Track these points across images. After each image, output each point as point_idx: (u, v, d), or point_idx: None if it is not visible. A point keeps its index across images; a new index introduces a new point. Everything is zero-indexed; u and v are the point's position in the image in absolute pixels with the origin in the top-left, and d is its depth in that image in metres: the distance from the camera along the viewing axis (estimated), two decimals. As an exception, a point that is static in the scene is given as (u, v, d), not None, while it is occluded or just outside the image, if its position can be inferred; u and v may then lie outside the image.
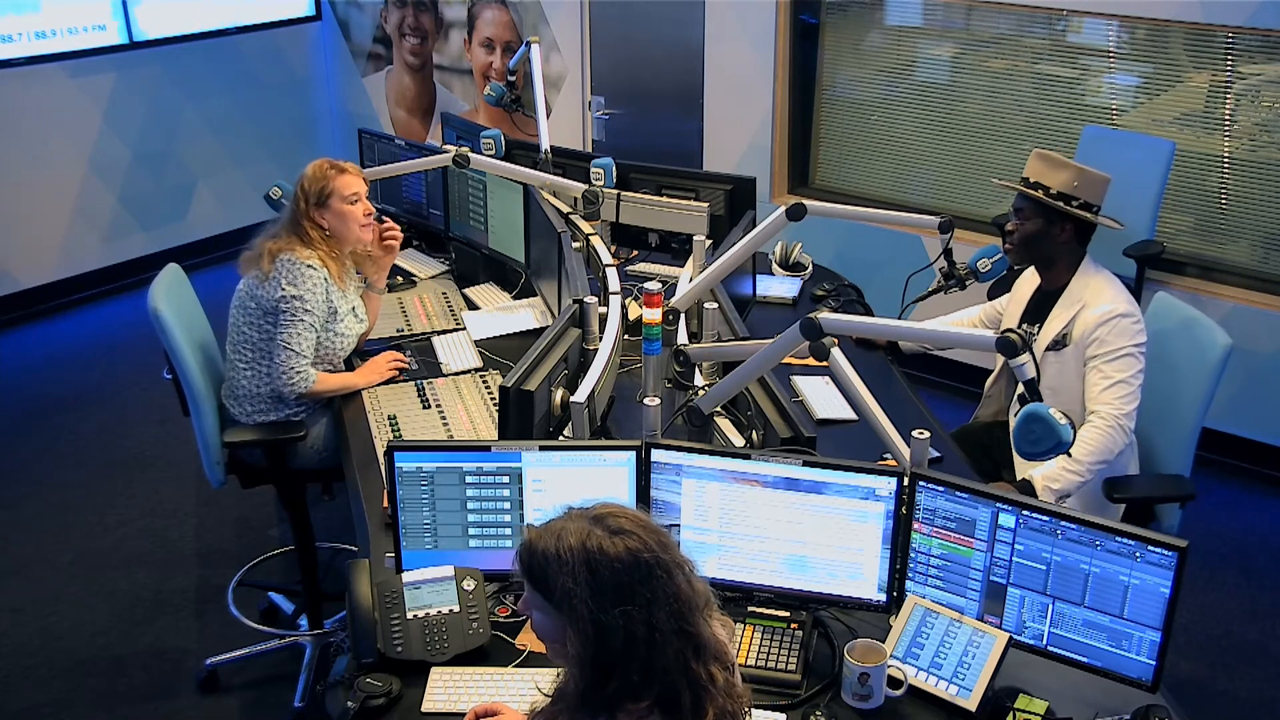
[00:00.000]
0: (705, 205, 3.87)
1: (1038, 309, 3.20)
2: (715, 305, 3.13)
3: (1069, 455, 2.93)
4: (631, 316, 3.35)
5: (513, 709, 2.06)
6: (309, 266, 3.28)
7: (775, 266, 4.19)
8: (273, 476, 3.43)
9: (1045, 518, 2.19)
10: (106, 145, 6.13)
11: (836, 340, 2.41)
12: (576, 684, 1.67)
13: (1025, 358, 2.26)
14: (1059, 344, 3.08)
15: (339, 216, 3.37)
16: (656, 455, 2.39)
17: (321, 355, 3.38)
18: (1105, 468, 3.00)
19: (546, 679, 1.80)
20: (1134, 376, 2.98)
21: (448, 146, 4.12)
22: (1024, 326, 3.19)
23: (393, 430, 3.18)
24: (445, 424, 3.20)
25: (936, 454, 2.93)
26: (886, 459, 2.69)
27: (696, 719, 1.66)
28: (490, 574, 2.42)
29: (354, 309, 3.47)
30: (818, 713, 2.18)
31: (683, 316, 3.23)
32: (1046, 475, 2.95)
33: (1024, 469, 3.02)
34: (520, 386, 2.58)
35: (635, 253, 4.16)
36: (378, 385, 3.39)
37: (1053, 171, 3.08)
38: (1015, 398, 3.21)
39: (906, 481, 2.30)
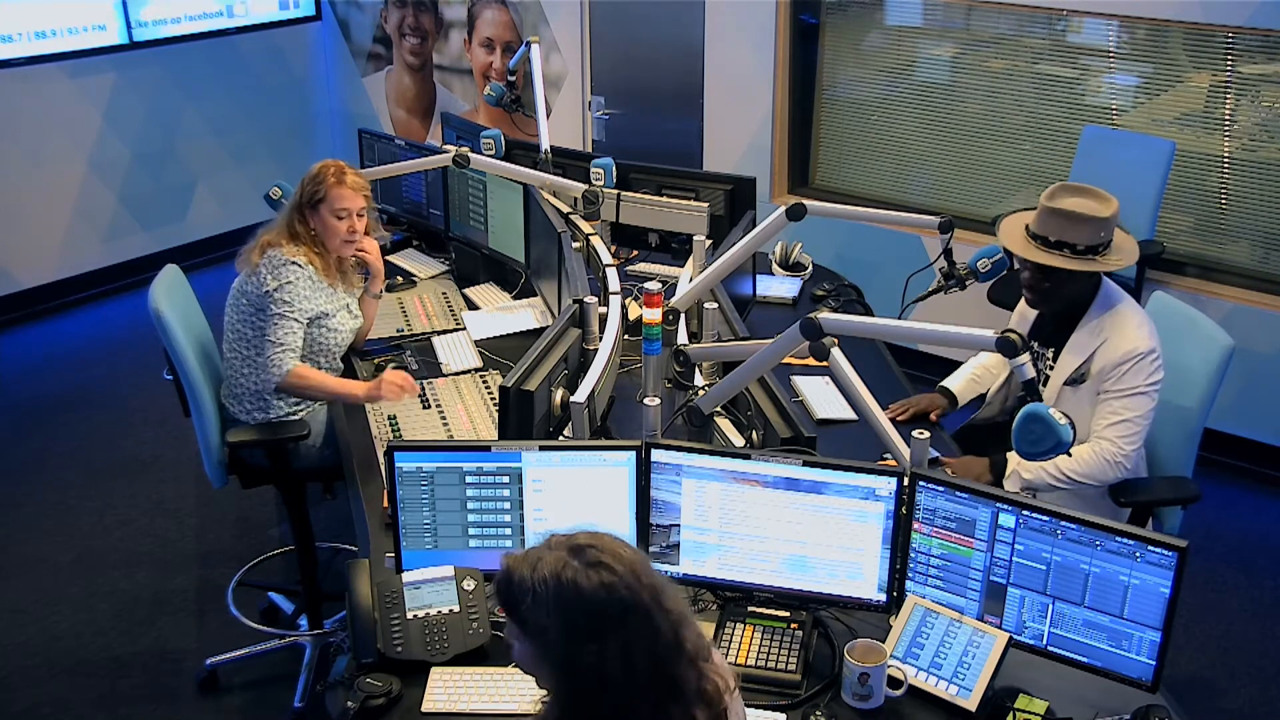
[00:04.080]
0: (705, 205, 3.87)
1: (1051, 331, 3.09)
2: (715, 305, 3.14)
3: (1059, 467, 2.93)
4: (631, 316, 3.35)
5: None
6: (292, 263, 3.28)
7: (775, 266, 4.19)
8: (275, 476, 3.43)
9: (1045, 518, 2.19)
10: (106, 145, 6.13)
11: (836, 340, 2.41)
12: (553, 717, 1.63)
13: (1025, 358, 2.26)
14: (1078, 380, 2.98)
15: (323, 224, 3.37)
16: (656, 455, 2.39)
17: (315, 350, 3.38)
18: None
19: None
20: (1142, 417, 2.91)
21: (448, 146, 4.12)
22: (1034, 345, 3.10)
23: (393, 430, 3.18)
24: (445, 424, 3.20)
25: (936, 454, 2.93)
26: (886, 459, 2.69)
27: None
28: (490, 574, 2.40)
29: (348, 305, 3.47)
30: (818, 713, 2.18)
31: (683, 316, 3.23)
32: (1023, 465, 2.94)
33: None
34: (520, 386, 2.58)
35: (635, 253, 4.16)
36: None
37: (1074, 227, 2.87)
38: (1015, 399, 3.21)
39: (906, 481, 2.30)
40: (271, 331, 3.26)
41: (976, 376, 3.38)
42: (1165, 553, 2.09)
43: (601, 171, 3.83)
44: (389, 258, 4.19)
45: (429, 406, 3.29)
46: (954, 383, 3.37)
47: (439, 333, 3.75)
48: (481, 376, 3.45)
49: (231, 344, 3.37)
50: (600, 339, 3.02)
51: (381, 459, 2.97)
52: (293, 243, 3.33)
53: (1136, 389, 2.90)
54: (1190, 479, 3.07)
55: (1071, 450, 2.90)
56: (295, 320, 3.28)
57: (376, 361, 3.53)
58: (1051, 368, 3.06)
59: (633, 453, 2.39)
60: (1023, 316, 3.24)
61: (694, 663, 1.66)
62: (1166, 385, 3.02)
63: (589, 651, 1.58)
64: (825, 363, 2.42)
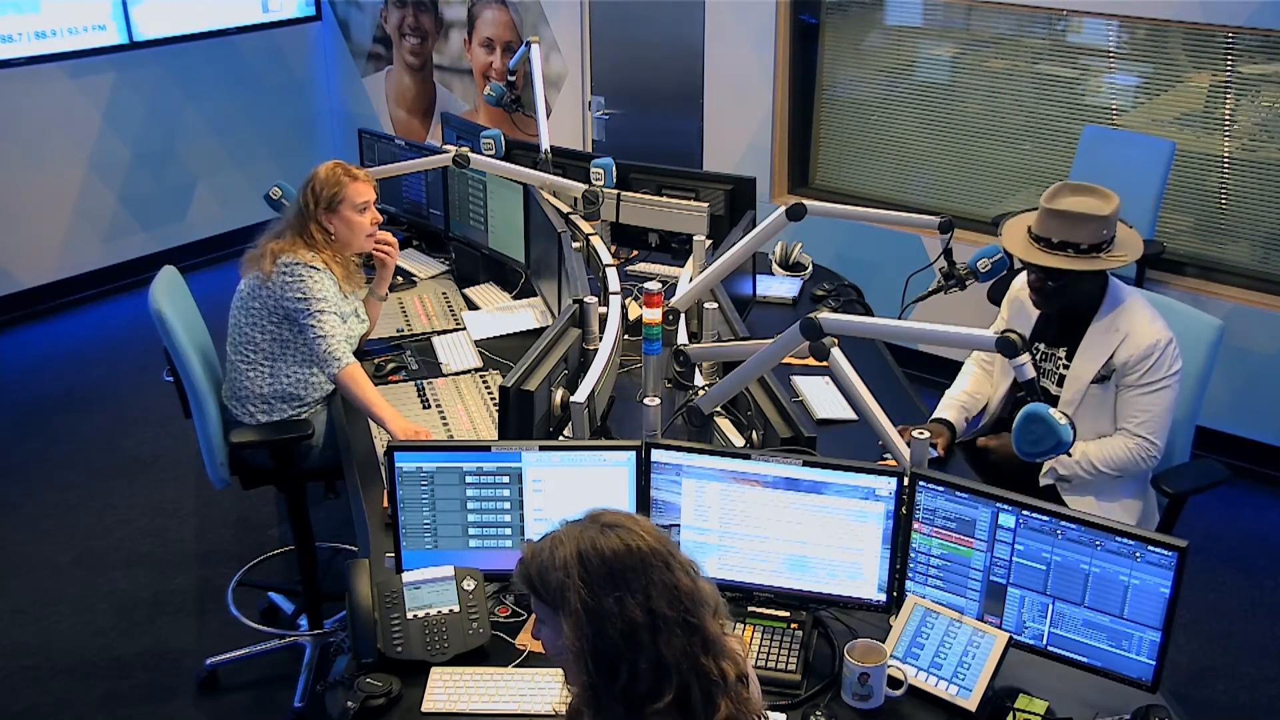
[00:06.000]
0: (705, 205, 3.87)
1: (1060, 331, 3.07)
2: (715, 305, 3.14)
3: (1091, 461, 2.95)
4: (631, 316, 3.35)
5: None
6: (312, 268, 3.26)
7: (775, 266, 4.19)
8: (277, 477, 3.42)
9: (1045, 518, 2.19)
10: (106, 145, 6.13)
11: (836, 340, 2.41)
12: (586, 686, 1.63)
13: (1025, 358, 2.26)
14: (1104, 378, 2.97)
15: (347, 223, 3.34)
16: (656, 455, 2.39)
17: None
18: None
19: (544, 678, 1.78)
20: (1169, 409, 2.94)
21: (448, 146, 4.11)
22: (1040, 346, 3.10)
23: (393, 430, 3.17)
24: (445, 424, 3.20)
25: (937, 453, 2.93)
26: (886, 459, 2.69)
27: (708, 716, 1.63)
28: (490, 574, 2.41)
29: (356, 310, 3.46)
30: (818, 713, 2.18)
31: (683, 316, 3.23)
32: (1060, 460, 2.95)
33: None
34: (520, 386, 2.58)
35: (635, 253, 4.16)
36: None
37: (1076, 227, 2.87)
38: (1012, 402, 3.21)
39: (906, 481, 2.30)
40: (317, 328, 3.21)
41: (964, 404, 3.27)
42: (1165, 553, 2.09)
43: (601, 171, 3.83)
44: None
45: (429, 406, 3.29)
46: (947, 414, 3.23)
47: (439, 333, 3.75)
48: (481, 376, 3.45)
49: (238, 347, 3.35)
50: (600, 339, 3.02)
51: (382, 459, 2.97)
52: (310, 250, 3.29)
53: (1160, 382, 2.92)
54: (1218, 463, 3.12)
55: (1106, 443, 2.94)
56: (335, 314, 3.26)
57: (376, 361, 3.53)
58: (1066, 367, 3.04)
59: (633, 453, 2.39)
60: (1026, 316, 3.21)
61: (717, 615, 1.69)
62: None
63: (611, 600, 1.61)
64: (825, 363, 2.42)
